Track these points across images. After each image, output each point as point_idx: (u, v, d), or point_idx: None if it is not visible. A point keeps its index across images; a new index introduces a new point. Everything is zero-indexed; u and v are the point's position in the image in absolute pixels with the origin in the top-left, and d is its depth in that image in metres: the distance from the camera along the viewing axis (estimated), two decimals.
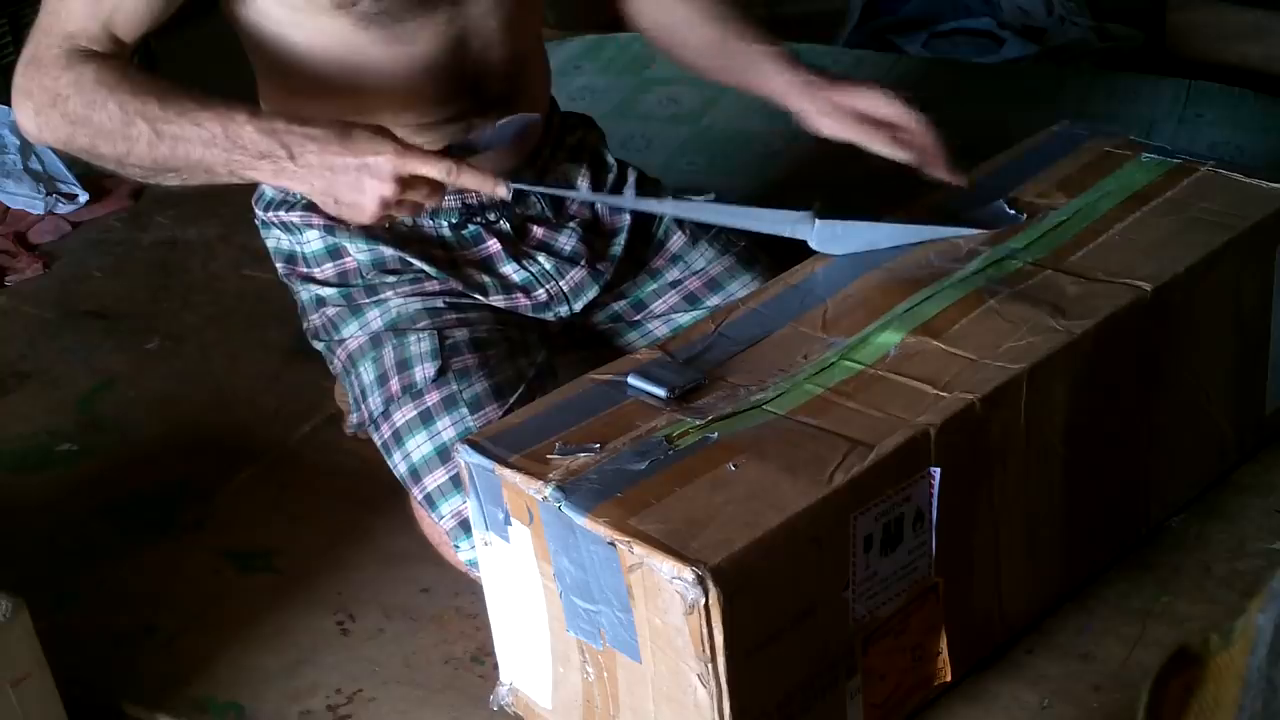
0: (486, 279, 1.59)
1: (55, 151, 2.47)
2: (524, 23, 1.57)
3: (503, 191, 1.38)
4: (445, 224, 1.59)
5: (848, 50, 2.71)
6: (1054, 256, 1.48)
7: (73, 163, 2.49)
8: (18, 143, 2.47)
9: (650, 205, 1.62)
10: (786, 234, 1.52)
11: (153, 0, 1.41)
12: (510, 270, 1.60)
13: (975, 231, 1.52)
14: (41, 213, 2.41)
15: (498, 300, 1.59)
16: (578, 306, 1.63)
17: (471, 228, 1.60)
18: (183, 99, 1.37)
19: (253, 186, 1.65)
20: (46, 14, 1.42)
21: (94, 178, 2.49)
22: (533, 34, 1.62)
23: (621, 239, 1.66)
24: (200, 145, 1.36)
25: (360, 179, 1.34)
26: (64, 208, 2.43)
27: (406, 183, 1.35)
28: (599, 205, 1.66)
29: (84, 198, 2.45)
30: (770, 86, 1.61)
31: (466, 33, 1.51)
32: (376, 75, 1.49)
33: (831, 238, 1.52)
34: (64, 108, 1.38)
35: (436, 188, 1.38)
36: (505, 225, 1.61)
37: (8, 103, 2.50)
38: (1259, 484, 1.61)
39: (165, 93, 1.37)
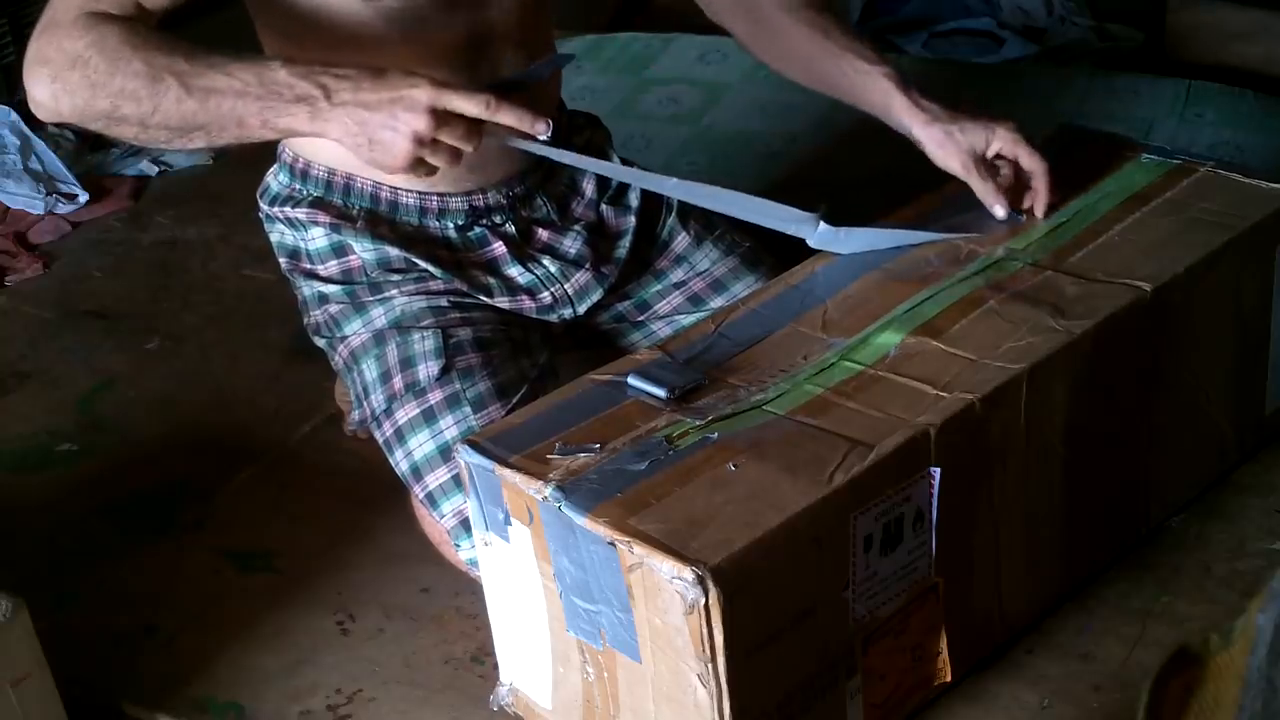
0: (491, 281, 1.59)
1: (55, 152, 2.48)
2: (538, 24, 1.58)
3: (542, 129, 1.35)
4: (451, 225, 1.59)
5: None
6: (1054, 257, 1.48)
7: (73, 163, 2.49)
8: (18, 143, 2.47)
9: (657, 182, 1.60)
10: (791, 232, 1.52)
11: None
12: (515, 273, 1.60)
13: (976, 235, 1.52)
14: (41, 213, 2.41)
15: (502, 302, 1.59)
16: (582, 309, 1.63)
17: (477, 230, 1.60)
18: (211, 54, 1.34)
19: (255, 183, 1.66)
20: None
21: (94, 178, 2.49)
22: (545, 35, 1.62)
23: (626, 242, 1.66)
24: (233, 96, 1.33)
25: (394, 113, 1.32)
26: (64, 208, 2.43)
27: (442, 118, 1.33)
28: (604, 209, 1.66)
29: (84, 198, 2.45)
30: (881, 107, 1.59)
31: (484, 33, 1.51)
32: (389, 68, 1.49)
33: (833, 240, 1.52)
34: (85, 69, 1.34)
35: (473, 129, 1.36)
36: (510, 228, 1.61)
37: (7, 103, 2.51)
38: (1259, 484, 1.61)
39: (193, 48, 1.35)
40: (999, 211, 1.54)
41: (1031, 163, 1.54)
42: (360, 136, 1.35)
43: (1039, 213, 1.54)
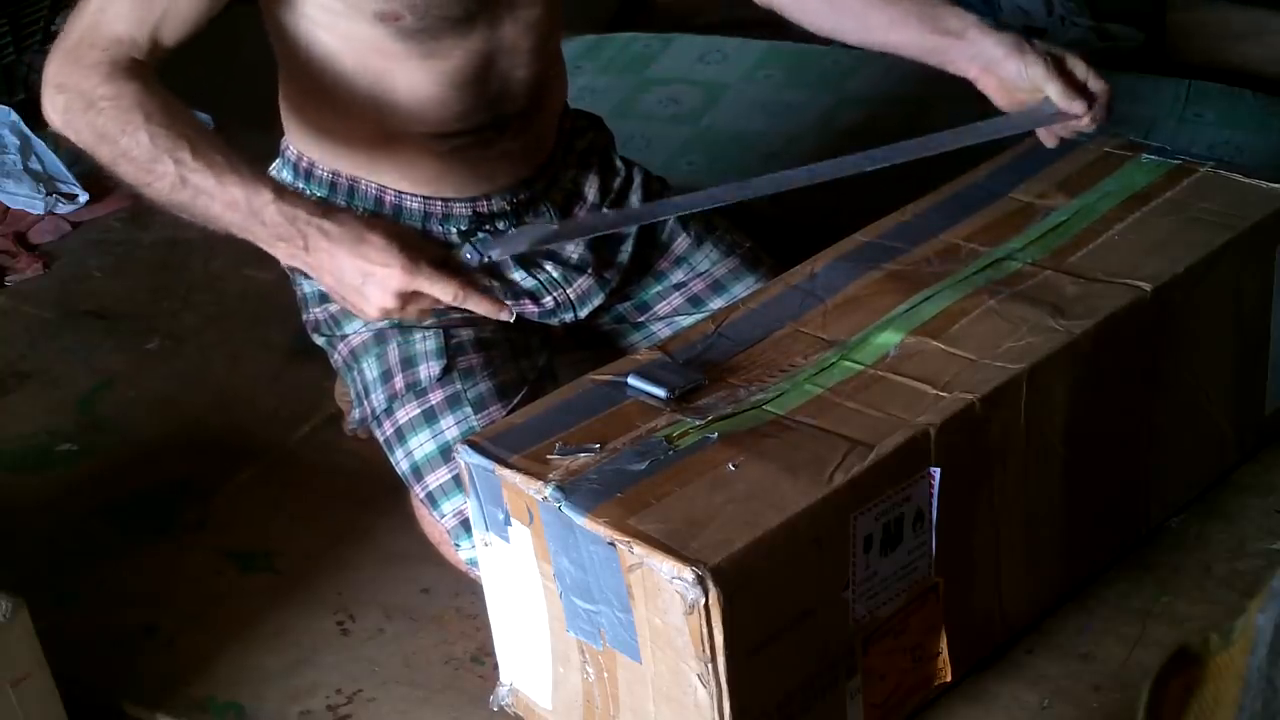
0: (494, 285, 1.59)
1: (55, 151, 2.48)
2: (549, 41, 1.58)
3: (506, 316, 1.38)
4: (454, 230, 1.59)
5: (848, 50, 2.70)
6: (1054, 257, 1.48)
7: (73, 162, 2.49)
8: (18, 143, 2.47)
9: (724, 194, 1.56)
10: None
11: (200, 6, 1.40)
12: (519, 277, 1.60)
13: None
14: (41, 213, 2.41)
15: None
16: (583, 313, 1.63)
17: (481, 235, 1.60)
18: (214, 153, 1.36)
19: None
20: (91, 10, 1.39)
21: (94, 178, 2.49)
22: (555, 51, 1.62)
23: (628, 246, 1.66)
24: (221, 205, 1.36)
25: (365, 286, 1.35)
26: (64, 208, 2.43)
27: (409, 297, 1.35)
28: (605, 211, 1.66)
29: (84, 198, 2.44)
30: (957, 30, 1.58)
31: (496, 51, 1.51)
32: (404, 86, 1.49)
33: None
34: (95, 119, 1.36)
35: (439, 302, 1.37)
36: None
37: (6, 103, 2.51)
38: (1259, 484, 1.61)
39: (198, 140, 1.37)
40: (1077, 108, 1.55)
41: (1098, 85, 1.56)
42: (332, 290, 1.38)
43: (1097, 117, 1.56)
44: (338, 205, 1.38)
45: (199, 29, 1.42)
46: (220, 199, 1.35)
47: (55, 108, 1.39)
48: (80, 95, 1.37)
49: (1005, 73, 1.55)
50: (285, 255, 1.38)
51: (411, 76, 1.49)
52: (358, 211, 1.40)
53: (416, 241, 1.38)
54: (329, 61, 1.49)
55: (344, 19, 1.44)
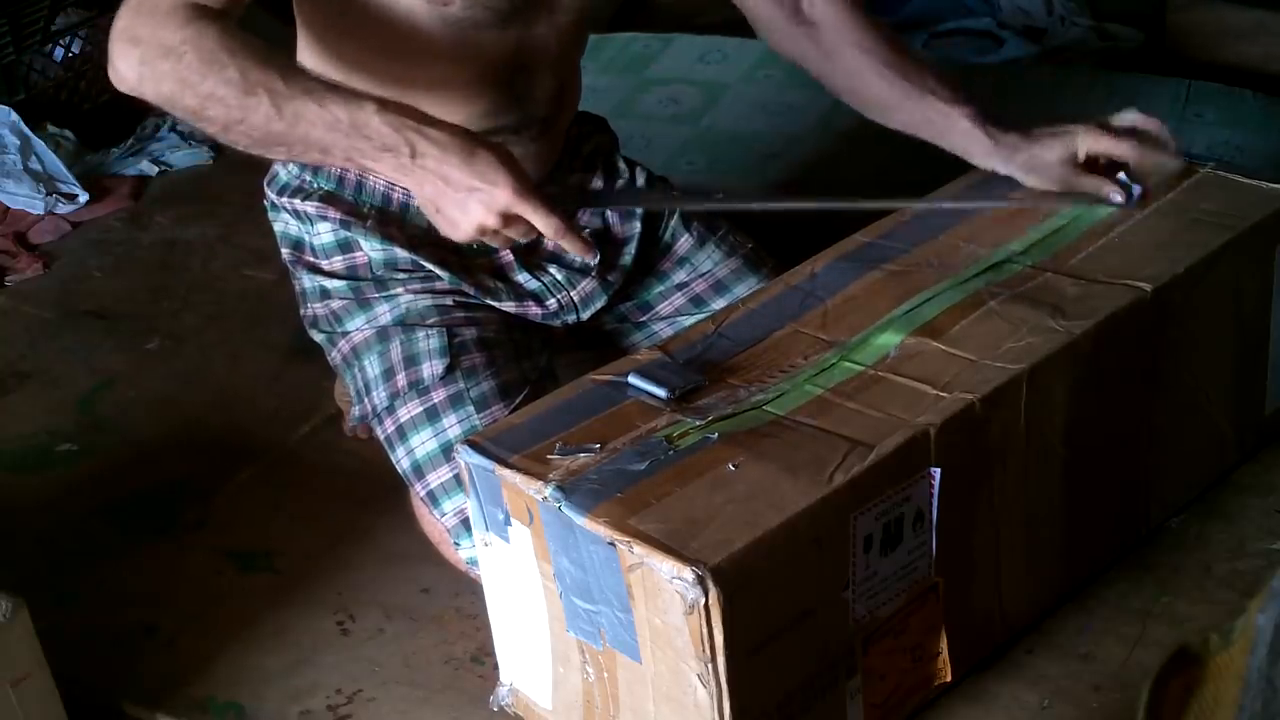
0: (498, 286, 1.59)
1: (55, 152, 2.48)
2: (576, 49, 1.58)
3: (592, 260, 1.40)
4: None
5: None
6: (1054, 258, 1.48)
7: (73, 163, 2.49)
8: (18, 143, 2.47)
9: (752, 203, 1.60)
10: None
11: None
12: (523, 279, 1.60)
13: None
14: (41, 213, 2.41)
15: (508, 306, 1.59)
16: (586, 315, 1.63)
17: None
18: (307, 78, 1.35)
19: (256, 183, 1.66)
20: None
21: (94, 178, 2.49)
22: (578, 58, 1.62)
23: (632, 248, 1.66)
24: (323, 127, 1.33)
25: (468, 201, 1.34)
26: (64, 208, 2.43)
27: (510, 219, 1.35)
28: (609, 215, 1.66)
29: (84, 198, 2.44)
30: (963, 150, 1.60)
31: (526, 53, 1.52)
32: (432, 73, 1.49)
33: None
34: (177, 64, 1.32)
35: (533, 231, 1.37)
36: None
37: (6, 103, 2.50)
38: (1259, 484, 1.61)
39: (288, 68, 1.35)
40: (1116, 198, 1.54)
41: (1122, 149, 1.54)
42: (431, 203, 1.36)
43: (1169, 166, 1.56)
44: (443, 120, 1.35)
45: None
46: (321, 120, 1.32)
47: (129, 61, 1.34)
48: (158, 44, 1.33)
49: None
50: (392, 168, 1.34)
51: (440, 65, 1.48)
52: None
53: (521, 166, 1.36)
54: (359, 37, 1.47)
55: (385, 4, 1.44)
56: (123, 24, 1.35)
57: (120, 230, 2.40)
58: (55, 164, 2.47)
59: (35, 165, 2.47)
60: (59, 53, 2.63)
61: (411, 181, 1.36)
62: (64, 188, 2.46)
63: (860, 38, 1.61)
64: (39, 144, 2.48)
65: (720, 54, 2.61)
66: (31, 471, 1.84)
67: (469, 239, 1.38)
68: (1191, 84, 2.41)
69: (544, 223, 1.35)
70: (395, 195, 1.57)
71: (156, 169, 2.54)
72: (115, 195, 2.47)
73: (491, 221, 1.34)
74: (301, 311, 1.66)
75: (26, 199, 2.42)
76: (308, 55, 1.55)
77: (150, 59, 1.33)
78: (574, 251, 1.40)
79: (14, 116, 2.48)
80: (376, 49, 1.48)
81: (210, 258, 2.29)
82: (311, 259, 1.62)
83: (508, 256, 1.60)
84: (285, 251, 1.65)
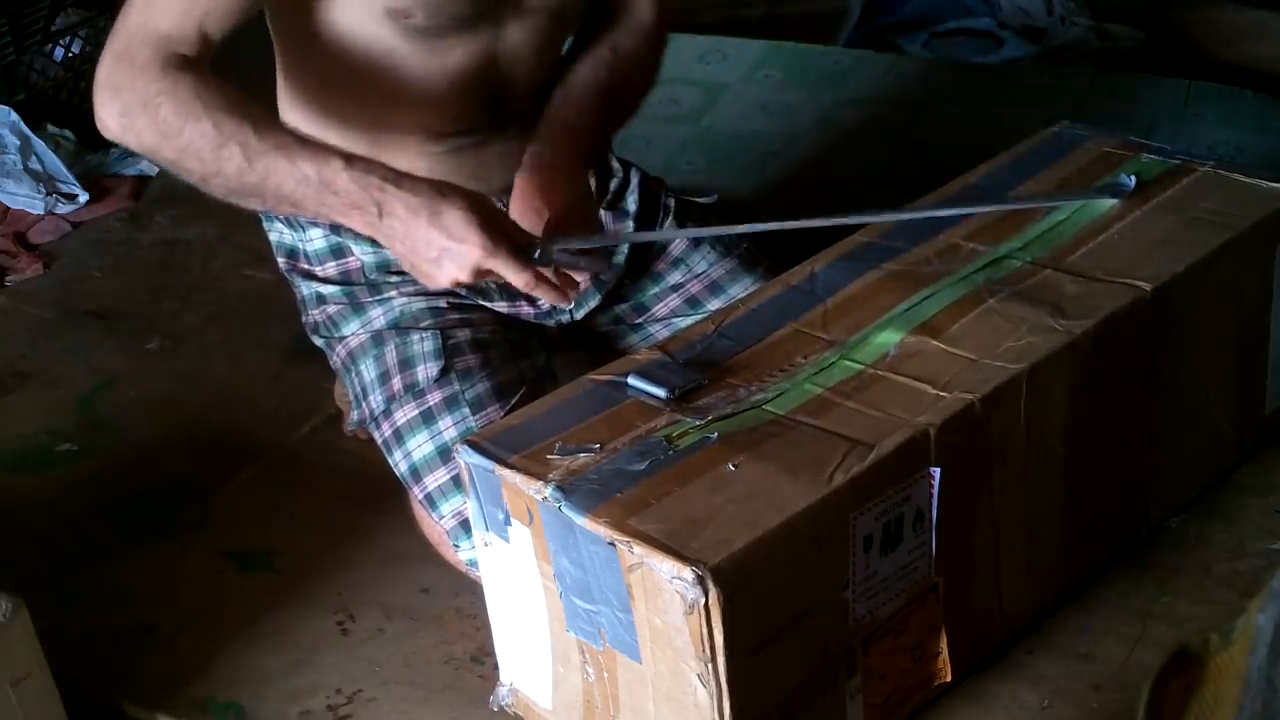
0: (491, 286, 1.59)
1: (55, 152, 2.47)
2: (552, 45, 1.58)
3: (567, 304, 1.41)
4: None
5: (848, 50, 2.71)
6: (1054, 256, 1.48)
7: (73, 162, 2.49)
8: (18, 143, 2.47)
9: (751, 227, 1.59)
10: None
11: (243, 11, 1.40)
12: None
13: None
14: (41, 213, 2.41)
15: (500, 306, 1.59)
16: (579, 315, 1.63)
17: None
18: (280, 132, 1.37)
19: None
20: (136, 10, 1.39)
21: (94, 178, 2.49)
22: (557, 56, 1.62)
23: (625, 249, 1.66)
24: (292, 182, 1.35)
25: (441, 259, 1.35)
26: (64, 208, 2.43)
27: (482, 273, 1.35)
28: (602, 215, 1.66)
29: (84, 198, 2.44)
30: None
31: (499, 53, 1.52)
32: (406, 84, 1.49)
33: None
34: (155, 115, 1.35)
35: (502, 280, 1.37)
36: None
37: (6, 103, 2.50)
38: (1259, 484, 1.61)
39: (260, 121, 1.37)
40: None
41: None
42: (404, 258, 1.38)
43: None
44: (410, 174, 1.37)
45: (244, 20, 1.42)
46: (291, 176, 1.35)
47: (111, 112, 1.38)
48: (136, 95, 1.36)
49: None
50: (360, 224, 1.37)
51: (413, 76, 1.49)
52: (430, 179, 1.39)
53: (492, 215, 1.36)
54: (330, 57, 1.48)
55: (352, 11, 1.44)
56: (104, 73, 1.39)
57: (120, 230, 2.40)
58: (55, 164, 2.47)
59: (35, 165, 2.47)
60: (59, 53, 2.62)
61: (382, 238, 1.38)
62: (64, 188, 2.46)
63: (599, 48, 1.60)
64: (39, 144, 2.48)
65: (720, 54, 2.61)
66: (31, 471, 1.84)
67: (445, 288, 1.41)
68: (1191, 84, 2.41)
69: (516, 278, 1.35)
70: None
71: (156, 169, 2.54)
72: (115, 195, 2.47)
73: (464, 277, 1.35)
74: (303, 319, 1.67)
75: (26, 199, 2.42)
76: (286, 84, 1.57)
77: (131, 110, 1.37)
78: (550, 299, 1.40)
79: (14, 116, 2.48)
80: (348, 66, 1.48)
81: (210, 258, 2.29)
82: (306, 266, 1.62)
83: None
84: (281, 260, 1.66)
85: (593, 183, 1.67)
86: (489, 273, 1.36)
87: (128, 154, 2.56)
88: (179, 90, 1.35)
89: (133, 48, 1.37)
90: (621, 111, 1.61)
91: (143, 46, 1.37)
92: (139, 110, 1.36)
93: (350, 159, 1.36)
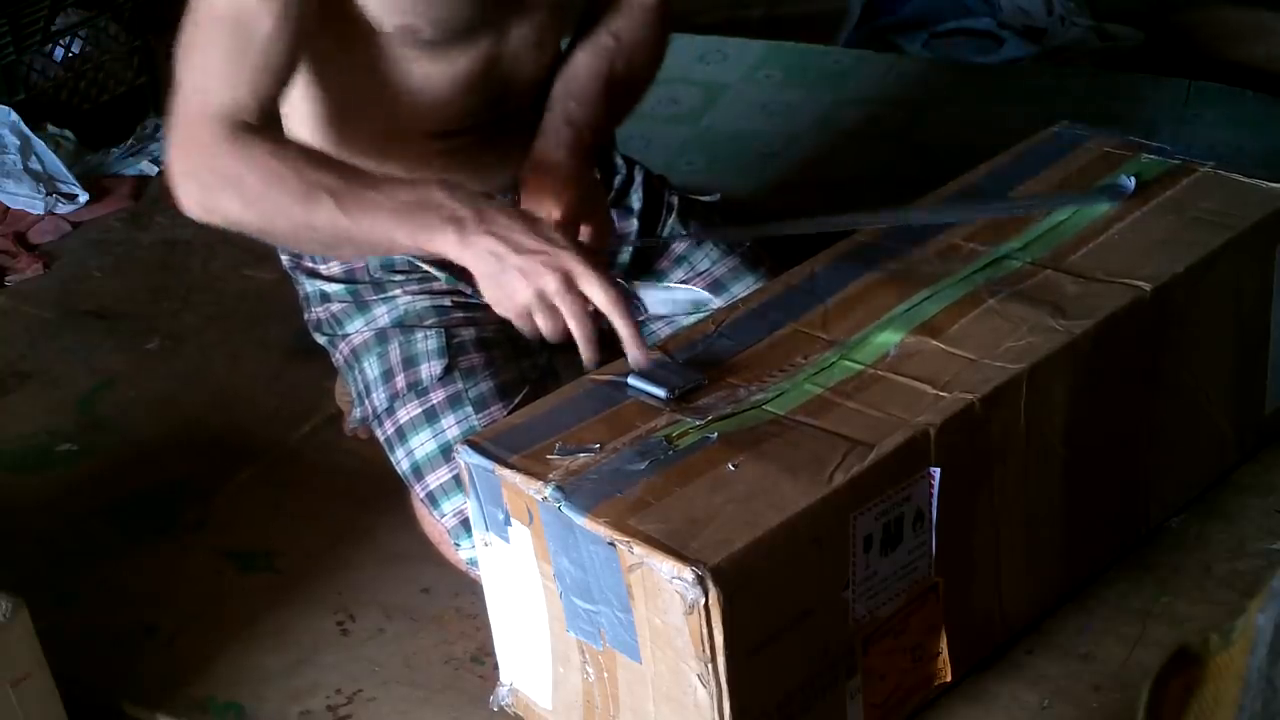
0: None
1: (55, 152, 2.47)
2: (553, 41, 1.58)
3: (640, 362, 1.34)
4: None
5: (848, 50, 2.72)
6: (1054, 256, 1.48)
7: (73, 162, 2.49)
8: (18, 143, 2.47)
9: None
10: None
11: (283, 50, 1.38)
12: None
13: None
14: (41, 213, 2.41)
15: None
16: None
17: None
18: (361, 172, 1.36)
19: None
20: (189, 96, 1.37)
21: (94, 178, 2.49)
22: (557, 49, 1.62)
23: (629, 247, 1.66)
24: (388, 211, 1.32)
25: (534, 261, 1.31)
26: (64, 208, 2.43)
27: (570, 286, 1.31)
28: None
29: (84, 198, 2.44)
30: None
31: (501, 53, 1.52)
32: (411, 91, 1.50)
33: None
34: (239, 188, 1.34)
35: (586, 311, 1.33)
36: None
37: (6, 103, 2.50)
38: (1259, 484, 1.61)
39: (342, 166, 1.36)
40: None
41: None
42: (493, 268, 1.33)
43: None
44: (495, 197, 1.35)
45: (293, 72, 1.41)
46: (387, 205, 1.32)
47: (190, 195, 1.37)
48: (215, 175, 1.35)
49: None
50: (455, 240, 1.32)
51: (416, 79, 1.49)
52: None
53: (576, 230, 1.36)
54: (337, 71, 1.49)
55: (360, 28, 1.44)
56: (174, 161, 1.38)
57: (120, 230, 2.40)
58: (55, 164, 2.47)
59: (35, 165, 2.47)
60: (59, 53, 2.62)
61: (472, 253, 1.33)
62: (64, 188, 2.46)
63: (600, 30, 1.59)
64: (39, 144, 2.48)
65: (720, 54, 2.61)
66: (31, 471, 1.84)
67: (525, 308, 1.33)
68: (1191, 84, 2.41)
69: (603, 294, 1.32)
70: None
71: (156, 169, 2.54)
72: (115, 195, 2.47)
73: (554, 286, 1.31)
74: (305, 316, 1.67)
75: (26, 199, 2.42)
76: (289, 93, 1.56)
77: (212, 192, 1.36)
78: (624, 336, 1.33)
79: (14, 116, 2.48)
80: (351, 70, 1.48)
81: (210, 258, 2.29)
82: (310, 264, 1.62)
83: None
84: (285, 258, 1.66)
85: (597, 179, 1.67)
86: (571, 289, 1.31)
87: (128, 154, 2.56)
88: (255, 158, 1.34)
89: (198, 133, 1.36)
90: (625, 99, 1.61)
91: (204, 127, 1.35)
92: (220, 189, 1.35)
93: (441, 180, 1.35)
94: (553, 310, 1.33)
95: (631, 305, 1.35)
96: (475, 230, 1.32)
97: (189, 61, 1.38)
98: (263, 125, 1.38)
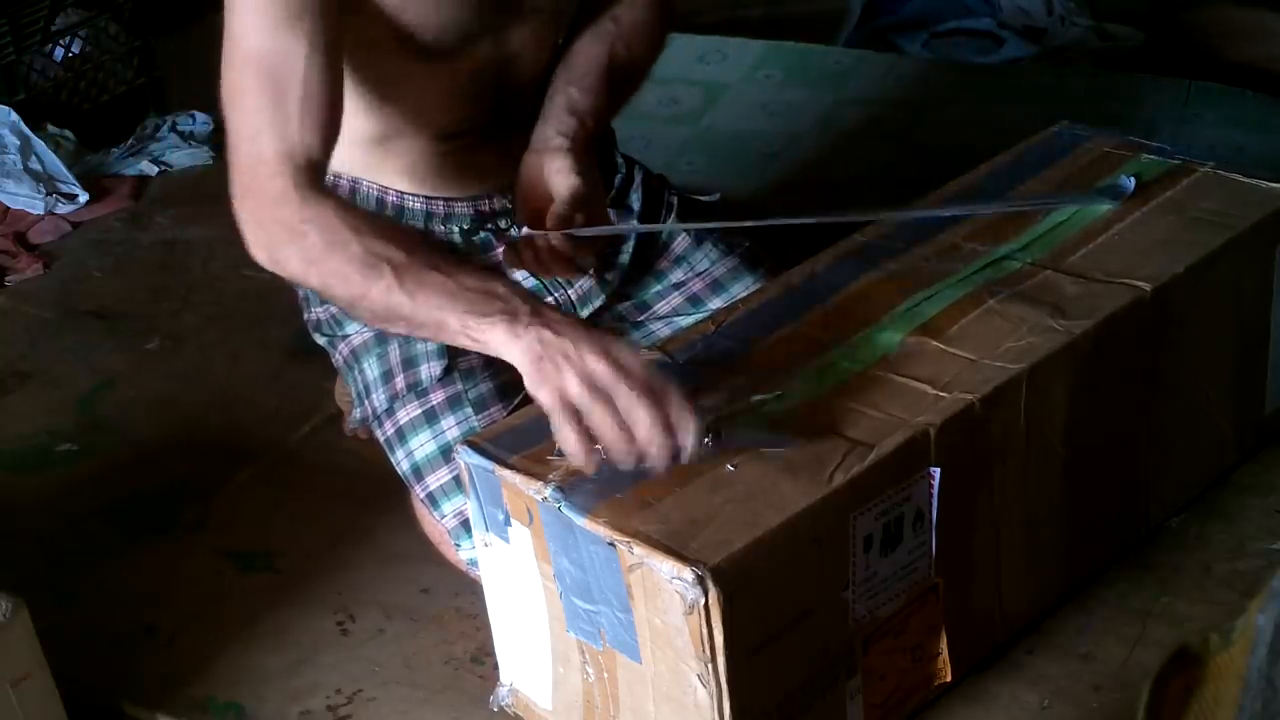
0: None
1: (55, 152, 2.48)
2: (553, 39, 1.58)
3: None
4: (456, 230, 1.59)
5: (848, 50, 2.72)
6: (1053, 256, 1.48)
7: (73, 162, 2.49)
8: (18, 143, 2.47)
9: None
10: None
11: (325, 85, 1.36)
12: (520, 277, 1.60)
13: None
14: (41, 213, 2.41)
15: None
16: (584, 314, 1.63)
17: (482, 234, 1.60)
18: (427, 249, 1.33)
19: None
20: (239, 144, 1.36)
21: (94, 178, 2.49)
22: (557, 45, 1.62)
23: (629, 247, 1.66)
24: (444, 294, 1.29)
25: (579, 345, 1.23)
26: (64, 208, 2.43)
27: (617, 380, 1.21)
28: (607, 213, 1.66)
29: (84, 198, 2.44)
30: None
31: (503, 56, 1.52)
32: (413, 95, 1.50)
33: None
34: (301, 244, 1.32)
35: (625, 425, 1.21)
36: (515, 232, 1.60)
37: (6, 103, 2.50)
38: (1259, 484, 1.61)
39: (407, 239, 1.33)
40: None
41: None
42: (536, 353, 1.25)
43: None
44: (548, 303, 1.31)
45: (339, 99, 1.38)
46: (445, 288, 1.29)
47: (260, 244, 1.36)
48: (280, 227, 1.33)
49: None
50: (504, 331, 1.26)
51: (419, 86, 1.49)
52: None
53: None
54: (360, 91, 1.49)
55: (364, 37, 1.44)
56: (241, 213, 1.37)
57: (120, 230, 2.40)
58: (55, 164, 2.47)
59: (35, 165, 2.47)
60: (59, 53, 2.62)
61: (519, 344, 1.26)
62: (64, 188, 2.46)
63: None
64: (39, 144, 2.48)
65: (720, 54, 2.61)
66: (31, 471, 1.84)
67: (564, 394, 1.23)
68: (1191, 84, 2.41)
69: (644, 401, 1.21)
70: (389, 199, 1.57)
71: (156, 169, 2.54)
72: (115, 195, 2.47)
73: (600, 369, 1.22)
74: (305, 316, 1.67)
75: (26, 199, 2.42)
76: None
77: (278, 244, 1.34)
78: (661, 448, 1.22)
79: (14, 116, 2.48)
80: (353, 73, 1.48)
81: (210, 258, 2.29)
82: None
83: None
84: None
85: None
86: (618, 368, 1.22)
87: (128, 154, 2.56)
88: (323, 218, 1.32)
89: (259, 181, 1.35)
90: (626, 85, 1.60)
91: (268, 179, 1.34)
92: (285, 241, 1.34)
93: (509, 279, 1.34)
94: (592, 410, 1.22)
95: (665, 420, 1.22)
96: (524, 319, 1.26)
97: (234, 106, 1.36)
98: (325, 167, 1.36)
